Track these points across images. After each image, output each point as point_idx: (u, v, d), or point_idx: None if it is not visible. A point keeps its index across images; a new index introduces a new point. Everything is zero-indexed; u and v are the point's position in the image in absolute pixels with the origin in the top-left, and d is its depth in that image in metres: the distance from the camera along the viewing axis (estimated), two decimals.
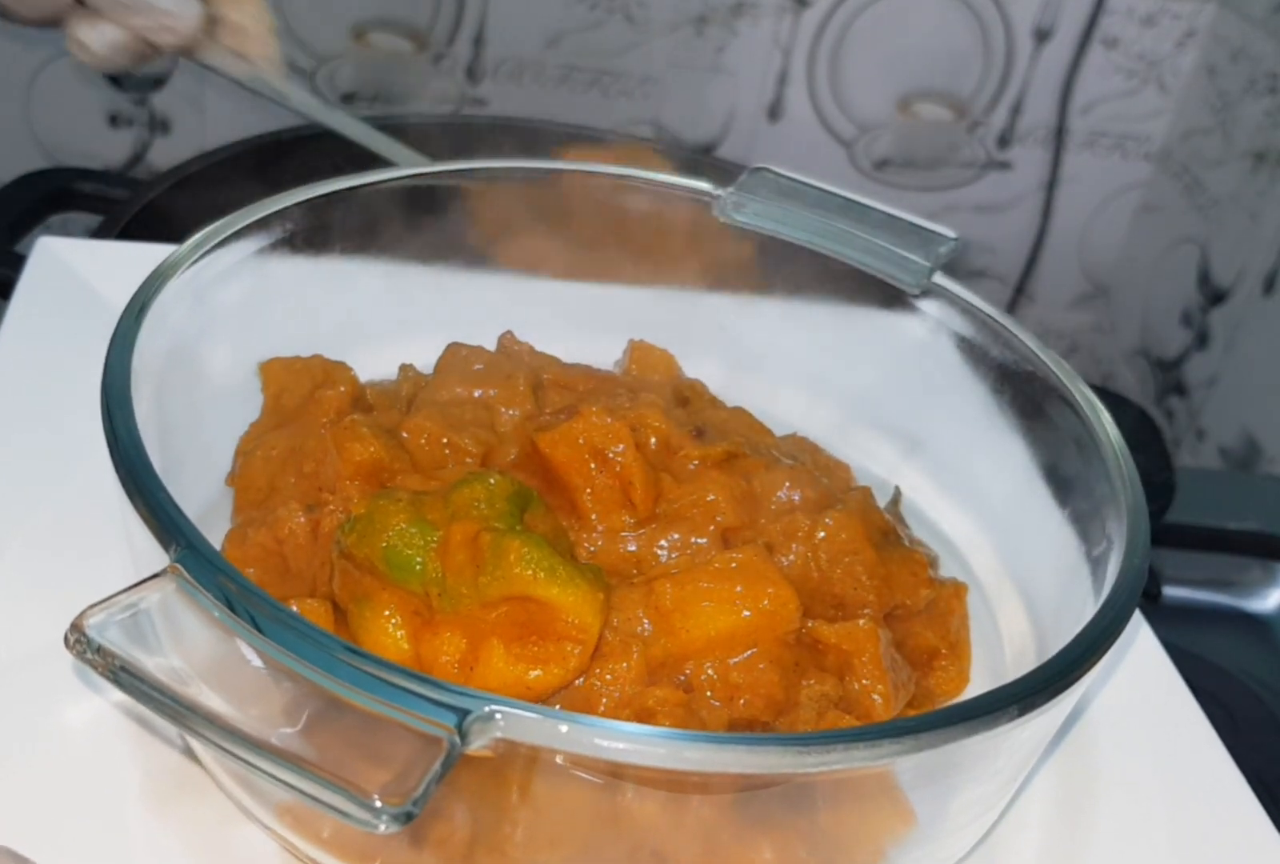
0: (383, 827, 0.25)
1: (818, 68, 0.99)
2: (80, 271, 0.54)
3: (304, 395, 0.42)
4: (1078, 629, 0.33)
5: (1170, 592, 0.69)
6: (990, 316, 0.45)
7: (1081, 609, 0.37)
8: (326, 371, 0.43)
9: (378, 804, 0.25)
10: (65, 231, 0.86)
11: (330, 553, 0.36)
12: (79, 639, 0.28)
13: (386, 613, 0.33)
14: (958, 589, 0.42)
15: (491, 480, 0.35)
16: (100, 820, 0.35)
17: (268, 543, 0.37)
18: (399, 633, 0.33)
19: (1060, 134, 1.03)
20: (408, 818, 0.25)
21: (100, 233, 0.68)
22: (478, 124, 0.84)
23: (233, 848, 0.35)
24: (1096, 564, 0.38)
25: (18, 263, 0.58)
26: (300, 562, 0.37)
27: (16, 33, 0.92)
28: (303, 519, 0.37)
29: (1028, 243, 1.07)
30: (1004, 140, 1.03)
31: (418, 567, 0.33)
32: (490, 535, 0.33)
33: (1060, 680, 0.32)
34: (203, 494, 0.40)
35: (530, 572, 0.32)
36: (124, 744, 0.37)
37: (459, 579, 0.33)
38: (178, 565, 0.29)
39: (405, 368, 0.45)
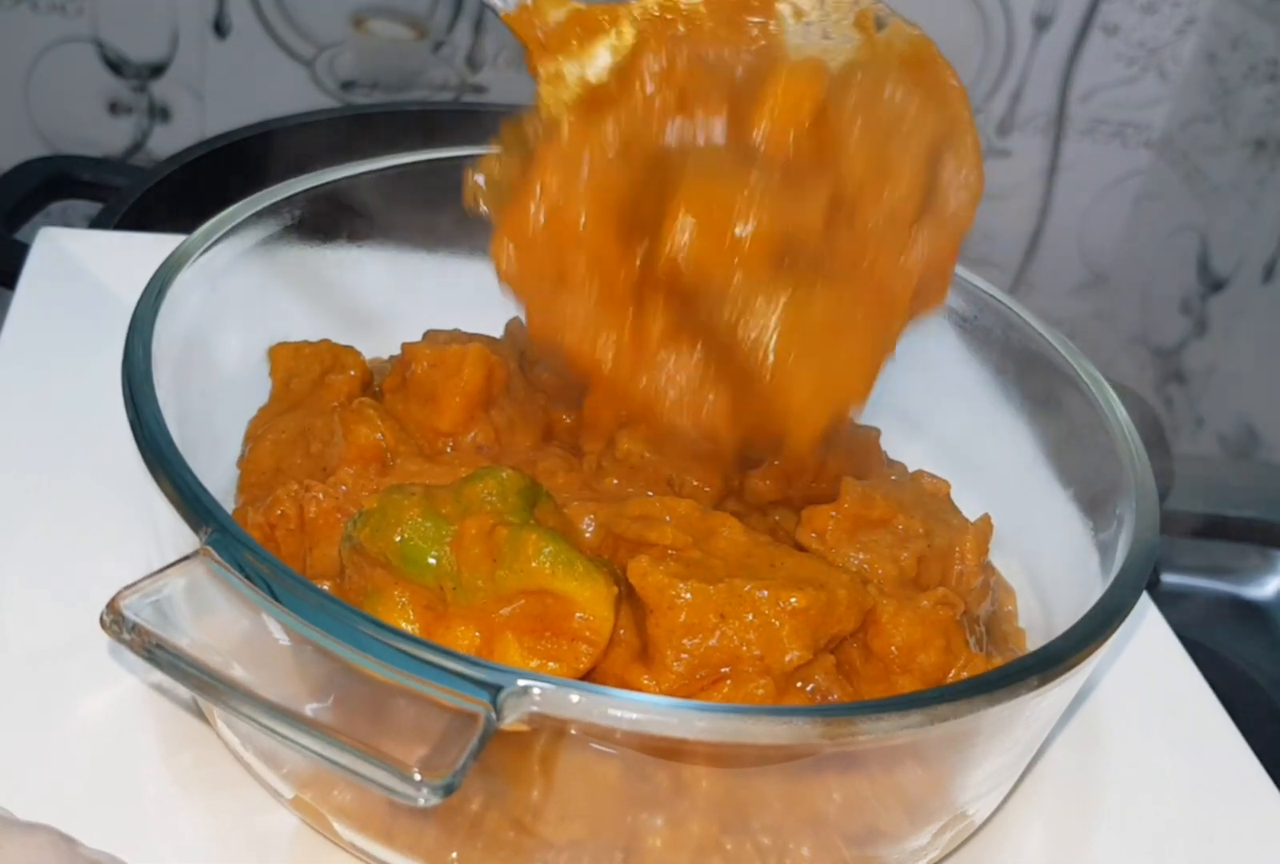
0: (423, 800, 0.26)
1: None
2: (83, 262, 0.54)
3: (313, 380, 0.42)
4: (1089, 603, 0.34)
5: (1169, 579, 0.69)
6: (994, 298, 0.45)
7: (1090, 583, 0.37)
8: (335, 356, 0.43)
9: (418, 777, 0.26)
10: (65, 219, 0.86)
11: (315, 539, 0.37)
12: (115, 620, 0.28)
13: (399, 607, 0.33)
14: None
15: (504, 474, 0.35)
16: (125, 801, 0.35)
17: (263, 525, 0.38)
18: (411, 627, 0.33)
19: (1060, 121, 1.03)
20: (448, 791, 0.26)
21: (100, 220, 0.68)
22: (478, 111, 0.84)
23: (254, 824, 0.36)
24: (1105, 541, 0.39)
25: (17, 250, 0.58)
26: (291, 545, 0.37)
27: (15, 21, 0.92)
28: (305, 497, 0.38)
29: (1027, 230, 1.07)
30: (1004, 128, 1.03)
31: (432, 560, 0.33)
32: (507, 529, 0.33)
33: (1079, 650, 0.33)
34: (214, 478, 0.40)
35: (548, 565, 0.32)
36: (146, 727, 0.38)
37: (474, 573, 0.33)
38: (209, 548, 0.30)
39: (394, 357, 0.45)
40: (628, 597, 0.34)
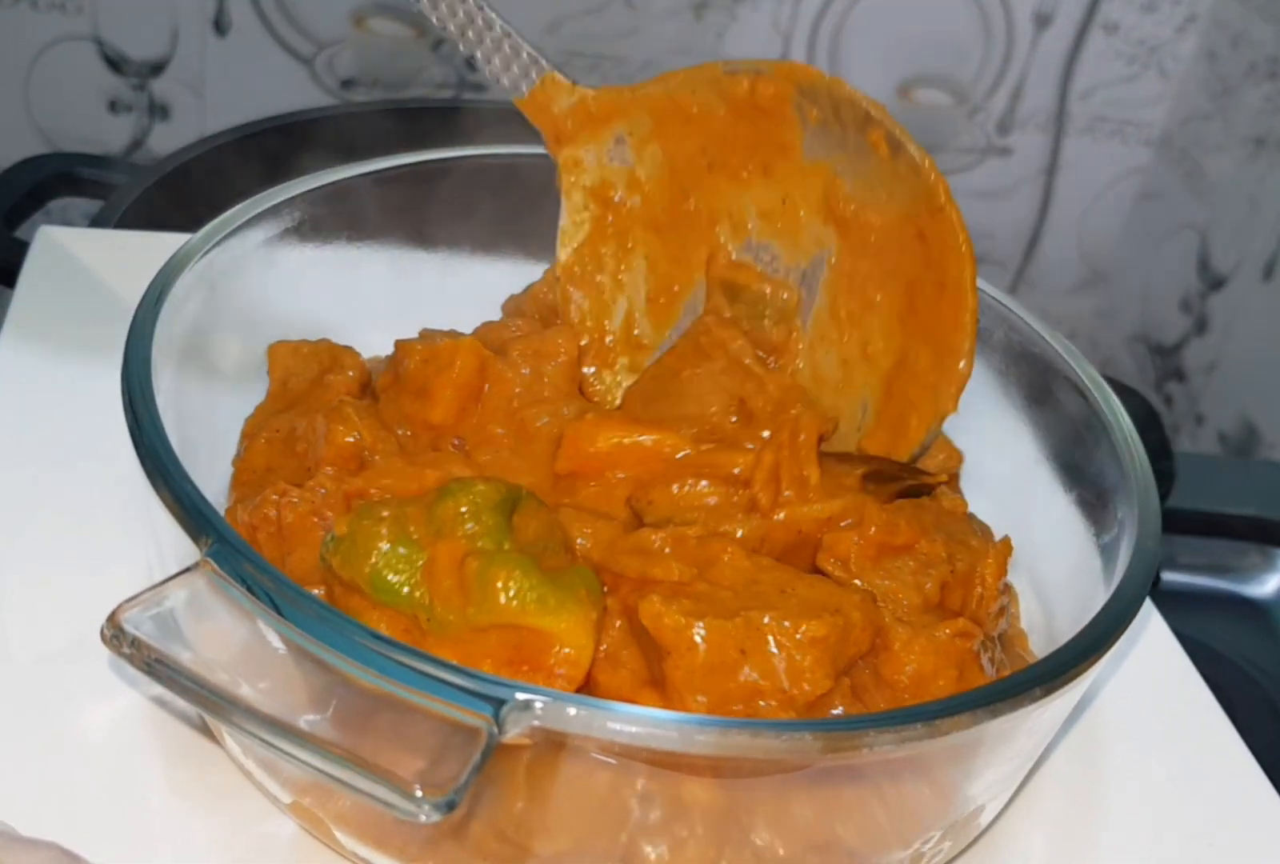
0: (424, 817, 0.26)
1: (817, 53, 0.99)
2: (82, 261, 0.54)
3: (311, 379, 0.42)
4: (1091, 608, 0.34)
5: (1169, 577, 0.69)
6: (994, 298, 0.45)
7: (1092, 587, 0.37)
8: (334, 356, 0.43)
9: (419, 794, 0.26)
10: (65, 217, 0.86)
11: (292, 545, 0.36)
12: (115, 634, 0.28)
13: None
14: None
15: (478, 487, 0.34)
16: (127, 814, 0.35)
17: (248, 525, 0.37)
18: None
19: (1060, 119, 1.03)
20: (449, 807, 0.26)
21: (100, 218, 0.68)
22: (478, 110, 0.84)
23: (254, 831, 0.35)
24: (1107, 545, 0.38)
25: (17, 248, 0.58)
26: (271, 548, 0.37)
27: (15, 19, 0.92)
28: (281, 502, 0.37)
29: (1027, 228, 1.07)
30: (1004, 126, 1.03)
31: (404, 591, 0.32)
32: (476, 563, 0.32)
33: (1081, 662, 0.32)
34: (214, 480, 0.40)
35: (518, 603, 0.32)
36: (147, 739, 0.37)
37: (447, 606, 0.32)
38: (210, 559, 0.30)
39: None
40: (638, 635, 0.33)
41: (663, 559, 0.35)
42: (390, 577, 0.32)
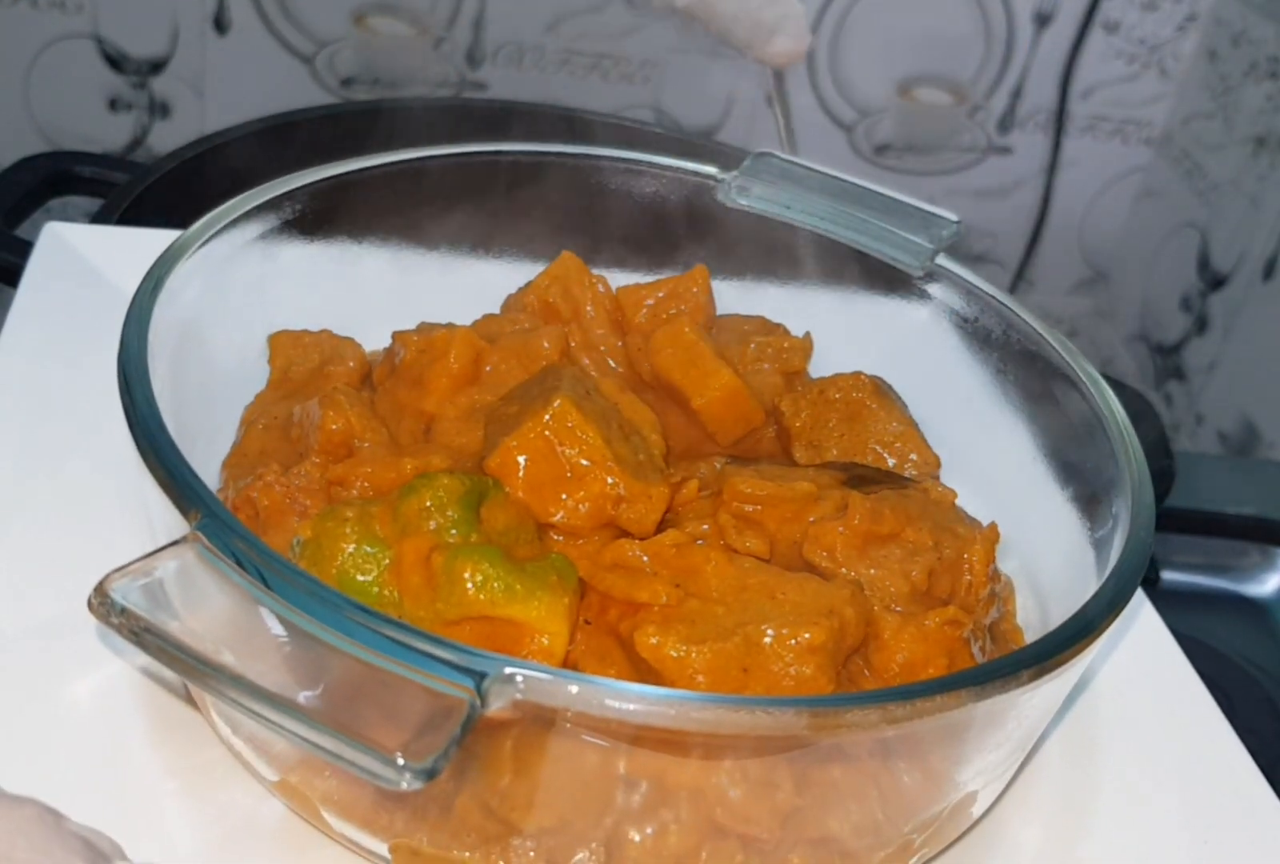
0: (405, 784, 0.26)
1: (818, 52, 0.99)
2: (86, 257, 0.54)
3: (312, 369, 0.42)
4: (1084, 601, 0.34)
5: (1169, 576, 0.69)
6: (994, 297, 0.45)
7: (1086, 581, 0.37)
8: (335, 347, 0.43)
9: (401, 762, 0.26)
10: (65, 216, 0.86)
11: (265, 528, 0.37)
12: (103, 602, 0.28)
13: None
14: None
15: (444, 481, 0.34)
16: (111, 784, 0.35)
17: (230, 507, 0.37)
18: None
19: (1061, 119, 1.03)
20: (430, 775, 0.26)
21: (100, 216, 0.68)
22: (478, 108, 0.84)
23: (239, 806, 0.36)
24: (1101, 539, 0.39)
25: (18, 247, 0.58)
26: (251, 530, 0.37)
27: (16, 17, 0.92)
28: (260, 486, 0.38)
29: (1028, 228, 1.07)
30: (1004, 125, 1.03)
31: (374, 590, 0.32)
32: (442, 557, 0.32)
33: (1071, 646, 0.32)
34: (211, 469, 0.40)
35: (486, 595, 0.31)
36: (133, 711, 0.37)
37: (416, 602, 0.32)
38: (198, 533, 0.30)
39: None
40: (635, 661, 0.33)
41: (646, 578, 0.35)
42: (358, 577, 0.32)
